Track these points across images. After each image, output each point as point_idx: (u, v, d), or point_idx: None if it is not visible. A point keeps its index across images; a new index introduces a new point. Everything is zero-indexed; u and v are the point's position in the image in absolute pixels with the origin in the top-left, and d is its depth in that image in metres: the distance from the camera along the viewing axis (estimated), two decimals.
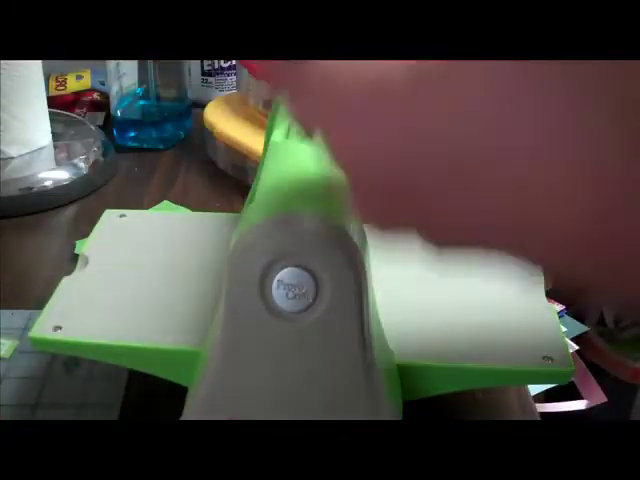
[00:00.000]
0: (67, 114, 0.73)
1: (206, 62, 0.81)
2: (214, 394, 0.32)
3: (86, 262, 0.42)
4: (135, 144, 0.72)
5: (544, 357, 0.36)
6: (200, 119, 0.70)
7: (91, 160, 0.65)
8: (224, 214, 0.49)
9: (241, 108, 0.68)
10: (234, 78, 0.80)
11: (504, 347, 0.37)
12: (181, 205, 0.62)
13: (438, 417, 0.40)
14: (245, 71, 0.66)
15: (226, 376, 0.31)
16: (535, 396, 0.57)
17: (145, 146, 0.72)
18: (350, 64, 0.25)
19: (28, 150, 0.65)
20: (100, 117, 0.77)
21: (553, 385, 0.55)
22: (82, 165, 0.64)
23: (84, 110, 0.78)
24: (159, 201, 0.63)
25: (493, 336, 0.38)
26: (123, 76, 0.71)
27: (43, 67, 0.66)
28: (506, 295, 0.41)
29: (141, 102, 0.73)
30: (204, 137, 0.71)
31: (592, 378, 0.83)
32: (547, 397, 0.80)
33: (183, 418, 0.33)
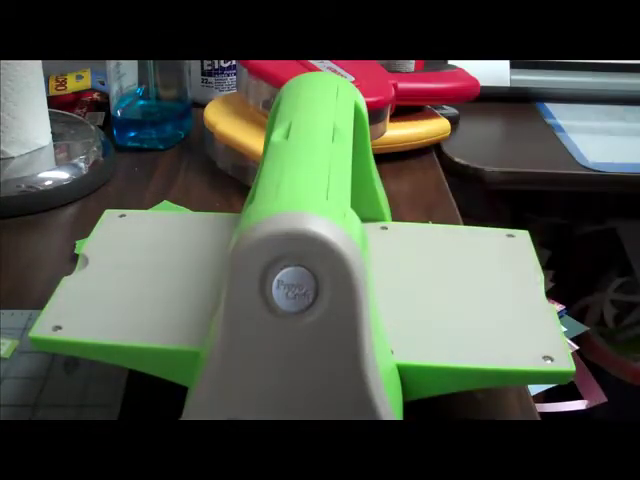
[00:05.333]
0: (67, 114, 0.72)
1: (206, 62, 0.81)
2: (214, 394, 0.32)
3: (86, 262, 0.42)
4: (135, 144, 0.72)
5: (544, 357, 0.36)
6: (200, 119, 0.70)
7: (91, 160, 0.65)
8: (224, 214, 0.49)
9: (241, 108, 0.68)
10: (234, 78, 0.80)
11: (504, 347, 0.37)
12: (181, 205, 0.62)
13: (438, 417, 0.40)
14: (245, 71, 0.66)
15: (226, 376, 0.31)
16: (535, 396, 0.57)
17: (145, 146, 0.72)
18: None
19: (28, 150, 0.65)
20: (100, 117, 0.77)
21: (553, 385, 0.55)
22: (82, 165, 0.64)
23: (84, 110, 0.78)
24: (159, 201, 0.63)
25: (493, 336, 0.38)
26: (123, 76, 0.71)
27: (43, 67, 0.65)
28: (506, 295, 0.41)
29: (141, 102, 0.73)
30: (204, 137, 0.71)
31: (592, 378, 0.83)
32: (547, 397, 0.80)
33: (183, 418, 0.33)
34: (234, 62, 0.79)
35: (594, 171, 0.73)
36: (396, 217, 0.50)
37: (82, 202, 0.63)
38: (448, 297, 0.41)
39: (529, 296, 0.41)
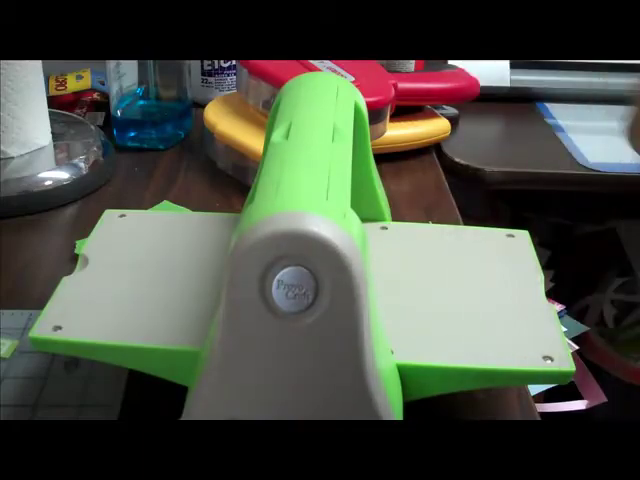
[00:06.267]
0: (67, 114, 0.72)
1: (206, 62, 0.81)
2: (214, 394, 0.32)
3: (86, 262, 0.42)
4: (135, 144, 0.72)
5: (544, 357, 0.36)
6: (200, 119, 0.70)
7: (91, 160, 0.65)
8: (224, 214, 0.49)
9: (241, 108, 0.68)
10: (234, 78, 0.80)
11: (504, 347, 0.37)
12: (181, 205, 0.62)
13: (438, 417, 0.40)
14: (245, 71, 0.66)
15: (226, 376, 0.31)
16: (535, 396, 0.57)
17: (145, 146, 0.72)
18: None
19: (28, 150, 0.65)
20: (100, 117, 0.77)
21: (553, 385, 0.55)
22: (82, 165, 0.64)
23: (84, 110, 0.78)
24: (159, 201, 0.63)
25: (493, 336, 0.38)
26: (123, 76, 0.71)
27: (43, 67, 0.65)
28: (506, 295, 0.41)
29: (141, 102, 0.73)
30: (204, 137, 0.71)
31: (592, 378, 0.83)
32: (547, 397, 0.80)
33: (183, 418, 0.33)
34: (234, 62, 0.79)
35: (594, 171, 0.73)
36: (396, 217, 0.50)
37: (82, 202, 0.63)
38: (448, 297, 0.41)
39: (529, 296, 0.41)
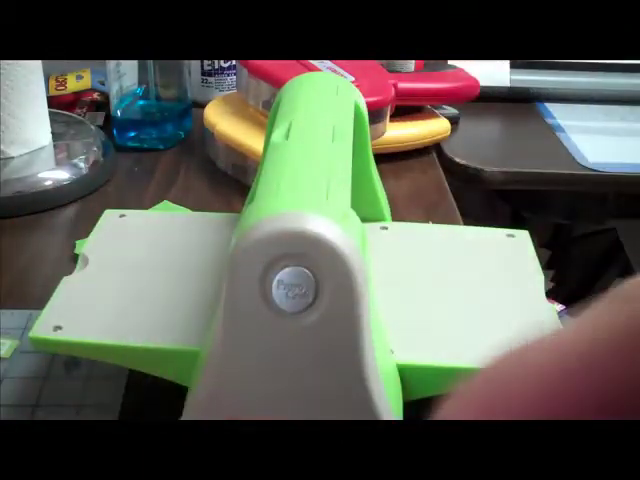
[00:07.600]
0: (67, 114, 0.73)
1: (206, 62, 0.81)
2: (214, 394, 0.32)
3: (86, 262, 0.42)
4: (135, 144, 0.72)
5: None
6: (200, 119, 0.70)
7: (91, 160, 0.65)
8: (224, 214, 0.49)
9: (241, 108, 0.68)
10: (234, 78, 0.80)
11: (504, 347, 0.37)
12: (181, 205, 0.62)
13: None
14: (245, 71, 0.66)
15: (226, 376, 0.31)
16: None
17: (145, 146, 0.72)
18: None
19: (28, 150, 0.65)
20: (100, 117, 0.77)
21: None
22: (82, 165, 0.64)
23: (84, 110, 0.78)
24: (159, 201, 0.63)
25: (493, 336, 0.38)
26: (123, 76, 0.71)
27: (43, 67, 0.65)
28: (506, 295, 0.41)
29: (141, 102, 0.73)
30: (204, 137, 0.71)
31: None
32: None
33: (183, 418, 0.33)
34: (234, 62, 0.79)
35: (594, 171, 0.73)
36: (396, 217, 0.50)
37: (82, 202, 0.63)
38: (448, 297, 0.41)
39: (529, 296, 0.41)
